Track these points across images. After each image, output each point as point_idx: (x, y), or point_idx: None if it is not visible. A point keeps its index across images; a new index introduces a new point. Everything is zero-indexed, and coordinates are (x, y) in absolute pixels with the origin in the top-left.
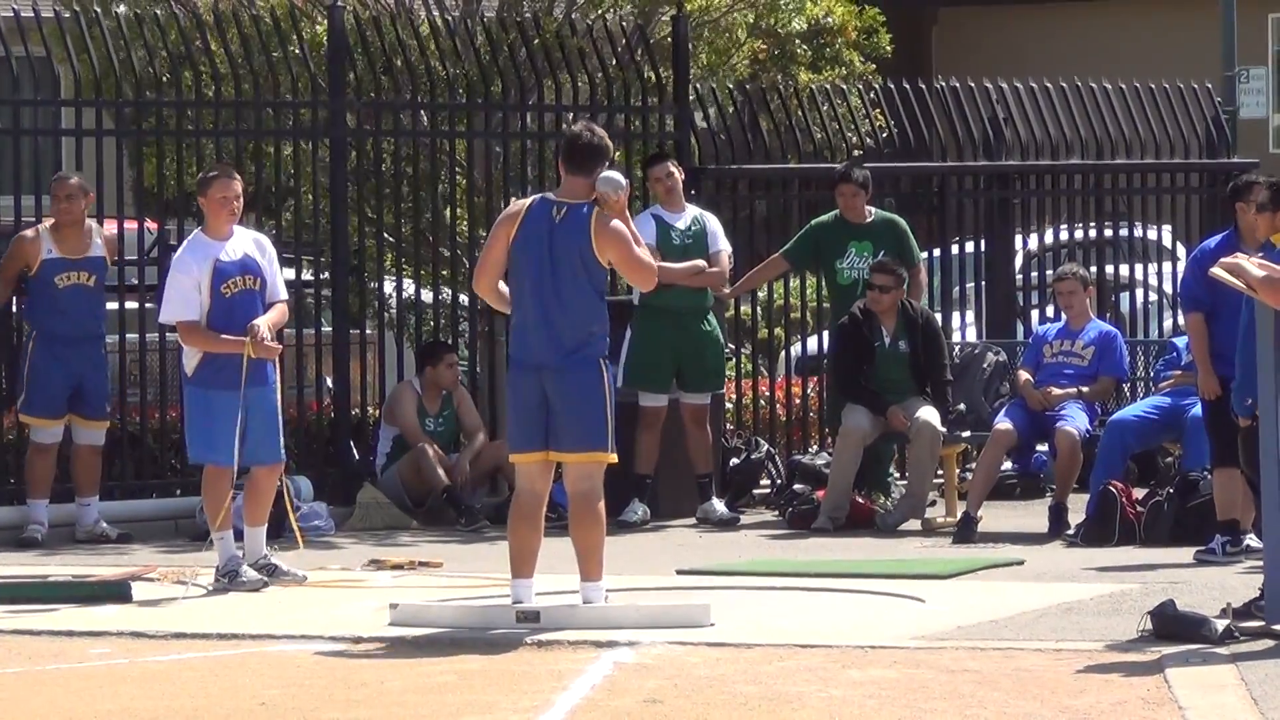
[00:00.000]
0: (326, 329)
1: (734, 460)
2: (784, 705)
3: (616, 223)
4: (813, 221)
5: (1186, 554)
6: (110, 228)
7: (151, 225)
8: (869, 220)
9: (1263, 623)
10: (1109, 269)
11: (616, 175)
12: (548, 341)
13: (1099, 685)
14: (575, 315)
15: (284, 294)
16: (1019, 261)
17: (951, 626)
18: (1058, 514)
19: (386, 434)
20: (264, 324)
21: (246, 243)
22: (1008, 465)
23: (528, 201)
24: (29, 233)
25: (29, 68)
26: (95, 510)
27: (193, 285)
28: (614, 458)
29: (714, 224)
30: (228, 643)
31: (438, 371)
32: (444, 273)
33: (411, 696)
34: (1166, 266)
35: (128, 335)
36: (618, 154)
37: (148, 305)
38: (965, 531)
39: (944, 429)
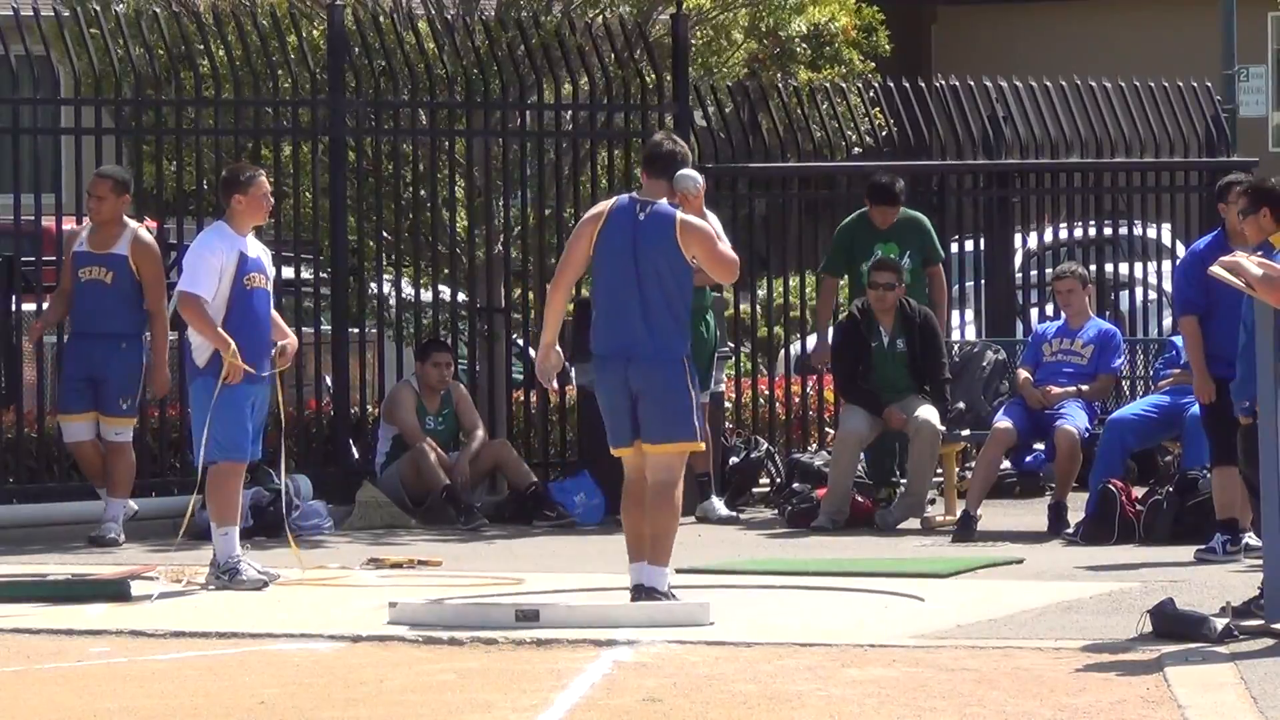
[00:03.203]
0: (325, 328)
1: (733, 459)
2: (783, 704)
3: (699, 220)
4: (840, 226)
5: (1186, 553)
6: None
7: (151, 224)
8: (895, 220)
9: (1262, 621)
10: (1108, 267)
11: (694, 173)
12: (632, 335)
13: (1098, 684)
14: (659, 309)
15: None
16: (1018, 260)
17: (951, 625)
18: (1057, 513)
19: (386, 433)
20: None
21: (260, 247)
22: (1007, 464)
23: (612, 201)
24: (77, 228)
25: (28, 66)
26: (118, 509)
27: (217, 267)
28: (700, 446)
29: (713, 221)
30: (227, 641)
31: (425, 370)
32: (443, 271)
33: (411, 695)
34: (1166, 265)
35: None
36: (617, 152)
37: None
38: (965, 530)
39: (943, 428)
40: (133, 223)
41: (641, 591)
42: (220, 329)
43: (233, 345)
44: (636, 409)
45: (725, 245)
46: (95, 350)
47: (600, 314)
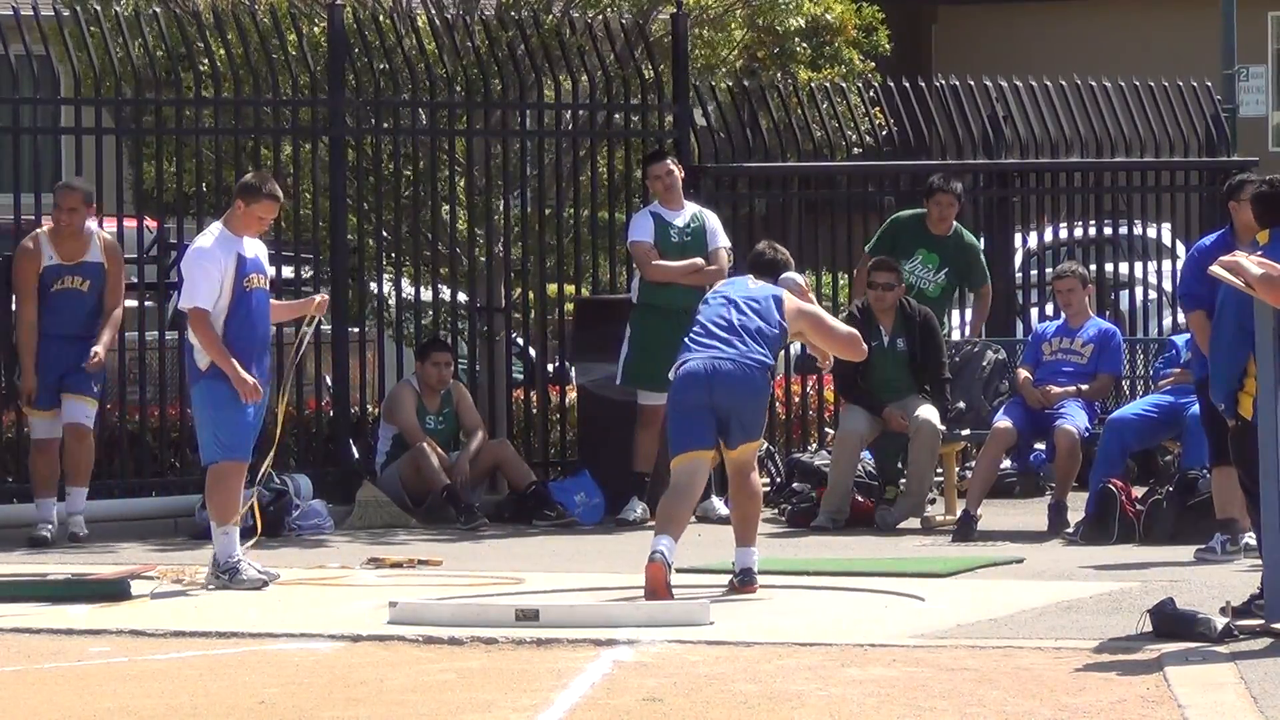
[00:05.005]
0: (325, 328)
1: None
2: (783, 704)
3: (807, 305)
4: (894, 215)
5: (1186, 552)
6: (110, 227)
7: (151, 224)
8: (947, 235)
9: (1262, 621)
10: (1108, 267)
11: (796, 275)
12: (719, 351)
13: (1098, 683)
14: (749, 328)
15: None
16: (1018, 259)
17: (951, 625)
18: (1057, 512)
19: (386, 432)
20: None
21: (259, 246)
22: (1007, 464)
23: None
24: (28, 244)
25: (28, 66)
26: (80, 500)
27: (217, 277)
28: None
29: (713, 221)
30: (227, 641)
31: (425, 370)
32: (442, 271)
33: (411, 695)
34: (1166, 264)
35: (127, 334)
36: (618, 153)
37: (148, 303)
38: (964, 530)
39: (943, 427)
40: (92, 225)
41: (747, 573)
42: (222, 345)
43: (241, 372)
44: (720, 420)
45: (837, 323)
46: (69, 349)
47: (692, 341)
